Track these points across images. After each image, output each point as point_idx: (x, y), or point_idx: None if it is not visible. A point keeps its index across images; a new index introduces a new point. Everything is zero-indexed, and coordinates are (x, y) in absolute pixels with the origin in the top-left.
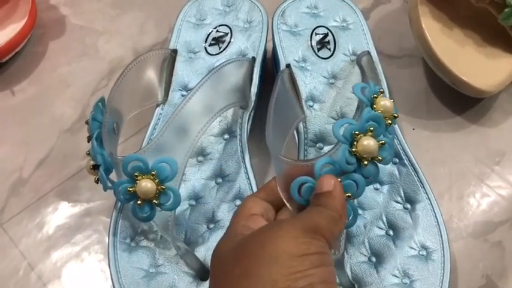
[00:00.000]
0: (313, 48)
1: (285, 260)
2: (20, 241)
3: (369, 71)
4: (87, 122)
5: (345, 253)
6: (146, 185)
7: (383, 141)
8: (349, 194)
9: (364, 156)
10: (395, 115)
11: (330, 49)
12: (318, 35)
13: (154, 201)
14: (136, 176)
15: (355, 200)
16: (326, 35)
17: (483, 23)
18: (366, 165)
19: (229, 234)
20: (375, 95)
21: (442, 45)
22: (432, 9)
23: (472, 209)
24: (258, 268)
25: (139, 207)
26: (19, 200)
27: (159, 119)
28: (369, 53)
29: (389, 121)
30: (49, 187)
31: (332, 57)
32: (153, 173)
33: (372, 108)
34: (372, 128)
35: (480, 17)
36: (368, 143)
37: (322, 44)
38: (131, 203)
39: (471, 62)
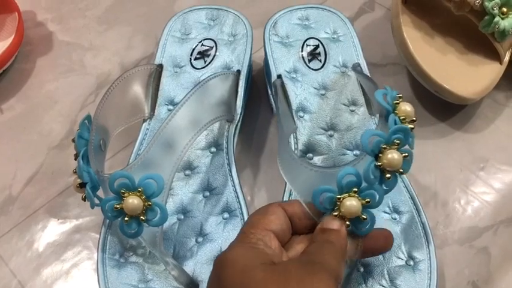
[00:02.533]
0: (304, 60)
1: None
2: (10, 259)
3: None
4: (73, 140)
5: None
6: (133, 201)
7: (406, 154)
8: (368, 200)
9: (388, 169)
10: (415, 119)
11: (320, 60)
12: (309, 47)
13: (141, 217)
14: (123, 193)
15: None
16: (317, 46)
17: (464, 30)
18: (388, 178)
19: (243, 241)
20: (396, 101)
21: (424, 53)
22: (414, 18)
23: (457, 215)
24: None
25: (126, 223)
26: (8, 218)
27: (146, 134)
28: (358, 64)
29: (411, 126)
30: (38, 204)
31: (323, 68)
32: (140, 189)
33: (394, 113)
34: (398, 142)
35: (461, 25)
36: (392, 156)
37: (313, 55)
38: (119, 219)
39: (453, 70)
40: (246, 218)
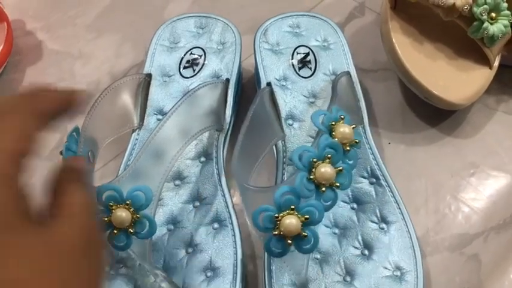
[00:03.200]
0: (294, 67)
1: None
2: None
3: (347, 90)
4: (61, 153)
5: (320, 272)
6: (121, 214)
7: (340, 168)
8: (307, 217)
9: (322, 182)
10: (356, 141)
11: (310, 68)
12: (299, 54)
13: (130, 230)
14: (111, 206)
15: (332, 219)
16: (307, 54)
17: (453, 36)
18: (323, 191)
19: None
20: (334, 122)
21: (413, 59)
22: (402, 24)
23: (448, 222)
24: None
25: (115, 236)
26: None
27: (135, 144)
28: (348, 73)
29: (348, 148)
30: None
31: (312, 76)
32: (128, 202)
33: (331, 135)
34: (329, 156)
35: (450, 30)
36: (325, 170)
37: (303, 63)
38: (107, 232)
39: (442, 76)
40: (236, 227)
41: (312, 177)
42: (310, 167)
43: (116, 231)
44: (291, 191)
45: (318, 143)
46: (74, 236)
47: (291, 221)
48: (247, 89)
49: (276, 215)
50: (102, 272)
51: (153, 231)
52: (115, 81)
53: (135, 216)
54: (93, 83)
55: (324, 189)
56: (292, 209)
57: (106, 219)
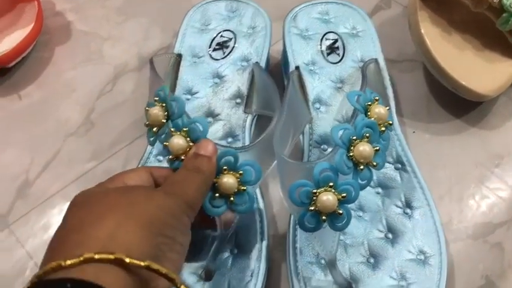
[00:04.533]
0: (322, 53)
1: (166, 212)
2: (27, 242)
3: (375, 78)
4: (161, 105)
5: (344, 253)
6: (228, 180)
7: (377, 147)
8: (345, 195)
9: (361, 161)
10: (390, 122)
11: (339, 54)
12: (328, 40)
13: (231, 198)
14: (224, 170)
15: (358, 203)
16: (336, 40)
17: (482, 27)
18: (361, 170)
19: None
20: (369, 103)
21: (442, 50)
22: (431, 15)
23: (471, 211)
24: (144, 203)
25: (214, 200)
26: (25, 202)
27: None
28: (376, 60)
29: (383, 128)
30: (55, 189)
31: (341, 62)
32: (240, 172)
33: (366, 115)
34: (367, 135)
35: (479, 22)
36: (364, 148)
37: (332, 49)
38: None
39: (470, 67)
40: (261, 207)
41: (351, 154)
42: (349, 145)
43: (217, 195)
44: (330, 168)
45: (356, 122)
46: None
47: (328, 198)
48: (273, 75)
49: (314, 190)
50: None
51: (250, 208)
52: (153, 56)
53: (241, 188)
54: (121, 64)
55: (362, 167)
56: (330, 186)
57: (214, 180)
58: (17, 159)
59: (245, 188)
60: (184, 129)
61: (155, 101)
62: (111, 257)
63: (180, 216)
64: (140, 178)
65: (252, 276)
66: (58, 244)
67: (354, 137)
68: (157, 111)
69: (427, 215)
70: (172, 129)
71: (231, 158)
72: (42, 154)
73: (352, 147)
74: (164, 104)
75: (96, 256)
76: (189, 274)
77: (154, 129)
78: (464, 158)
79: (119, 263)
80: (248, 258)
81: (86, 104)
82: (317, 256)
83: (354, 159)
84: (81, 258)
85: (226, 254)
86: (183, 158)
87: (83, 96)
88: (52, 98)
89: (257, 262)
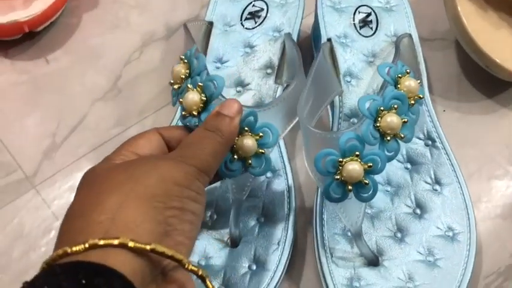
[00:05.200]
0: (355, 26)
1: (169, 183)
2: (53, 203)
3: (409, 52)
4: (184, 61)
5: (371, 226)
6: (248, 142)
7: (405, 119)
8: (371, 165)
9: (388, 132)
10: (421, 96)
11: (372, 28)
12: (361, 14)
13: (249, 161)
14: (246, 130)
15: (386, 177)
16: (369, 14)
17: None
18: (388, 141)
19: (105, 160)
20: (400, 75)
21: (477, 27)
22: None
23: (501, 190)
24: (145, 178)
25: (232, 162)
26: (52, 163)
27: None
28: (410, 35)
29: (413, 101)
30: (81, 152)
31: (373, 36)
32: (261, 134)
33: (396, 87)
34: (396, 106)
35: None
36: (391, 119)
37: (365, 22)
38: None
39: (506, 45)
40: (289, 177)
41: (377, 125)
42: (377, 116)
43: (236, 157)
44: (356, 137)
45: (384, 93)
46: None
47: (354, 167)
48: (302, 48)
49: (340, 159)
50: None
51: (266, 170)
52: (186, 22)
53: (259, 150)
54: (148, 33)
55: (388, 138)
56: (357, 156)
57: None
58: (44, 122)
59: (263, 150)
60: (200, 84)
61: (180, 59)
62: (115, 242)
63: (189, 183)
64: (150, 144)
65: (278, 244)
66: (63, 231)
67: (382, 108)
68: (180, 68)
69: (456, 192)
70: (189, 86)
71: (252, 119)
72: (69, 118)
73: (379, 118)
74: (187, 61)
75: (101, 242)
76: (215, 240)
77: (176, 86)
78: (495, 138)
79: (123, 247)
80: (275, 227)
81: (113, 71)
82: (344, 228)
83: (380, 130)
84: (86, 245)
85: (253, 222)
86: (195, 113)
87: (110, 63)
88: (79, 64)
89: (284, 231)
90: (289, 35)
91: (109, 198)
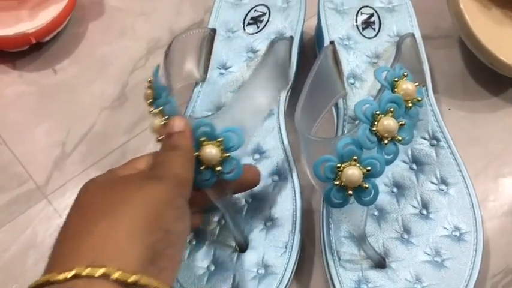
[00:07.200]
0: (357, 28)
1: (156, 203)
2: (64, 212)
3: (412, 52)
4: (150, 87)
5: (378, 228)
6: (211, 151)
7: (403, 122)
8: (369, 168)
9: (385, 135)
10: (419, 99)
11: (374, 29)
12: (363, 15)
13: (217, 168)
14: (203, 141)
15: (391, 178)
16: (371, 15)
17: None
18: (386, 144)
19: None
20: (397, 79)
21: (480, 24)
22: None
23: (508, 188)
24: (133, 201)
25: (201, 172)
26: (62, 173)
27: (198, 96)
28: (413, 35)
29: (410, 104)
30: (90, 162)
31: (376, 37)
32: (220, 140)
33: (393, 91)
34: (392, 109)
35: None
36: (388, 122)
37: (367, 23)
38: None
39: (509, 42)
40: (296, 180)
41: (374, 129)
42: (373, 120)
43: (202, 167)
44: (353, 142)
45: (381, 97)
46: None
47: (353, 172)
48: (306, 51)
49: (338, 165)
50: None
51: (239, 174)
52: (182, 33)
53: (224, 155)
54: (154, 39)
55: (386, 142)
56: (355, 160)
57: (196, 153)
58: (54, 132)
59: (229, 154)
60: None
61: (148, 82)
62: (98, 273)
63: (174, 201)
64: (146, 163)
65: (286, 248)
66: (53, 254)
67: (378, 112)
68: (149, 91)
69: (463, 191)
70: (151, 110)
71: (207, 128)
72: (78, 127)
73: (376, 122)
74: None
75: (83, 273)
76: (224, 245)
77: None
78: (501, 136)
79: (107, 278)
80: (282, 231)
81: (119, 79)
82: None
83: (378, 133)
84: (69, 276)
85: (261, 227)
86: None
87: (116, 71)
88: (86, 73)
89: (291, 235)
90: (290, 38)
91: (99, 223)
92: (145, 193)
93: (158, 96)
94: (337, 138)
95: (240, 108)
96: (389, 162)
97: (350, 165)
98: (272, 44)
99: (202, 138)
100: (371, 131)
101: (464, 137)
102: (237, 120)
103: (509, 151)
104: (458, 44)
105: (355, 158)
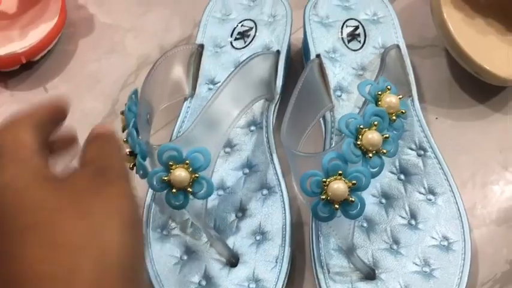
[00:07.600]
0: (343, 40)
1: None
2: None
3: (397, 64)
4: (122, 113)
5: (367, 239)
6: (180, 174)
7: (387, 135)
8: (355, 182)
9: (369, 149)
10: (403, 111)
11: (360, 41)
12: (348, 27)
13: (188, 189)
14: (171, 165)
15: (380, 189)
16: (357, 27)
17: (505, 11)
18: (370, 157)
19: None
20: (380, 92)
21: (465, 34)
22: None
23: (495, 196)
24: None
25: (173, 195)
26: None
27: (187, 112)
28: (397, 46)
29: (394, 117)
30: None
31: (362, 49)
32: (187, 162)
33: (377, 104)
34: (376, 123)
35: (502, 5)
36: (372, 136)
37: (353, 36)
38: (165, 191)
39: (494, 51)
40: (285, 194)
41: (359, 143)
42: (357, 134)
43: (174, 191)
44: (338, 156)
45: (364, 111)
46: None
47: (339, 186)
48: (294, 63)
49: (324, 179)
50: None
51: (210, 192)
52: (170, 50)
53: (193, 176)
54: (143, 55)
55: (371, 155)
56: (340, 174)
57: (165, 178)
58: None
59: (198, 175)
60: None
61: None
62: None
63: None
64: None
65: (276, 262)
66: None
67: (362, 126)
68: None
69: (450, 201)
70: (124, 139)
71: (173, 152)
72: None
73: (360, 136)
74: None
75: None
76: (214, 260)
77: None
78: (488, 144)
79: None
80: (272, 244)
81: (110, 95)
82: None
83: (362, 147)
84: None
85: (251, 241)
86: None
87: (107, 88)
88: (77, 90)
89: (281, 248)
90: (276, 53)
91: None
92: (117, 211)
93: (127, 124)
94: (322, 153)
95: (201, 128)
96: (374, 175)
97: (335, 179)
98: (245, 61)
99: (170, 163)
100: (355, 144)
101: (451, 146)
102: (200, 141)
103: (496, 158)
104: (444, 53)
105: (340, 172)
